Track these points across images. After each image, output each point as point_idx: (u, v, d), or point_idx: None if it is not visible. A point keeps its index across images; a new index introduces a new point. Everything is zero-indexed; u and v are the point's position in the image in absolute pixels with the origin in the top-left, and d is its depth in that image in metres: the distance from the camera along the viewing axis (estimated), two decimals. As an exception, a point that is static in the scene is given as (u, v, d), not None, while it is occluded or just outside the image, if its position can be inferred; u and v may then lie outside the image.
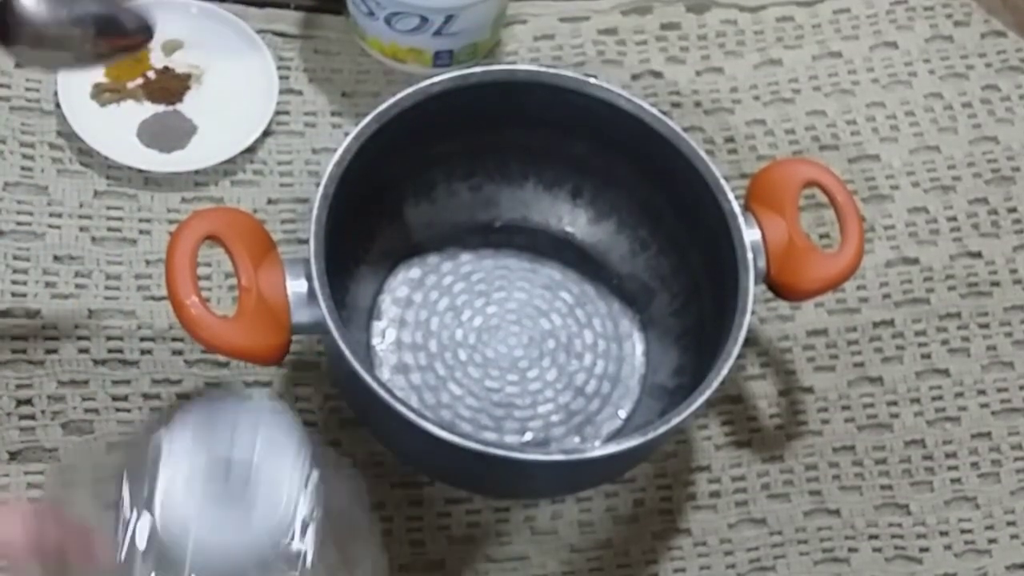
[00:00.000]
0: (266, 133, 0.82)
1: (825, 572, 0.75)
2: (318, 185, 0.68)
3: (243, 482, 0.48)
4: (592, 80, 0.74)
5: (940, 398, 0.80)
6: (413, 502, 0.74)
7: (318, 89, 0.85)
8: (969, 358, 0.82)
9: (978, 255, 0.85)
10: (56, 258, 0.77)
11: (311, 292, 0.65)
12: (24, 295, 0.76)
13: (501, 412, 0.76)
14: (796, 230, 0.71)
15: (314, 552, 0.49)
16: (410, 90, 0.71)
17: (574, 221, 0.81)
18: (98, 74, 0.82)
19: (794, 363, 0.81)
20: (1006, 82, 0.90)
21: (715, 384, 0.66)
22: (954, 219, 0.86)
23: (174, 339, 0.76)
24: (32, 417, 0.73)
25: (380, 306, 0.78)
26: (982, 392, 0.81)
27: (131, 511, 0.48)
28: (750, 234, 0.70)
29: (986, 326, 0.83)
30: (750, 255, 0.70)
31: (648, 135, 0.73)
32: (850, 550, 0.76)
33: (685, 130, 0.75)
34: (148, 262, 0.78)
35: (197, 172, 0.81)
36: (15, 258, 0.77)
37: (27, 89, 0.81)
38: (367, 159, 0.70)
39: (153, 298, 0.77)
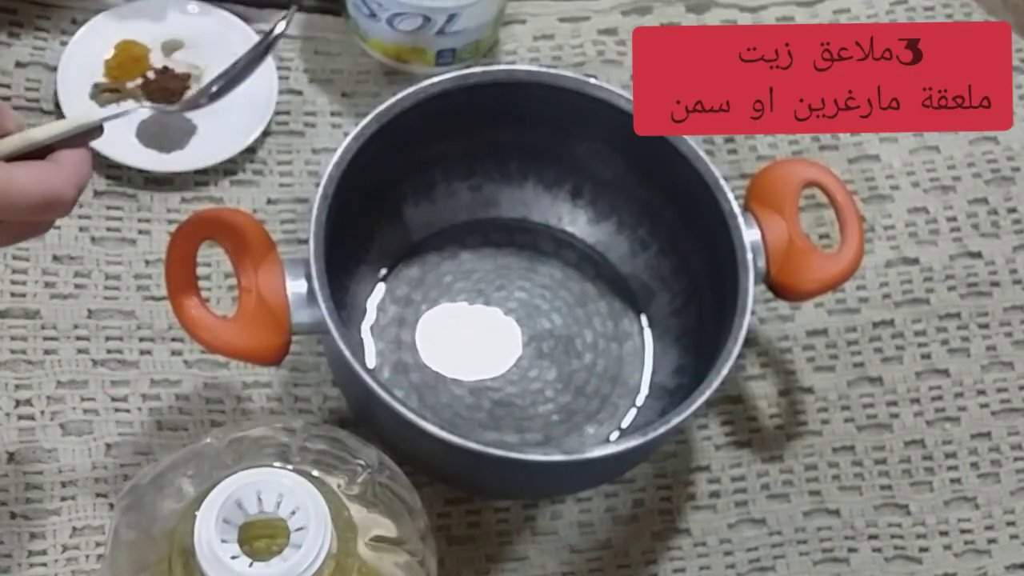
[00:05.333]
0: (266, 133, 0.82)
1: (825, 572, 0.75)
2: (318, 185, 0.68)
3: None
4: (592, 80, 0.74)
5: (940, 398, 0.80)
6: (413, 502, 0.74)
7: (318, 89, 0.85)
8: (969, 358, 0.82)
9: (978, 255, 0.85)
10: (55, 258, 0.77)
11: (311, 292, 0.65)
12: (23, 295, 0.76)
13: (501, 412, 0.76)
14: (796, 230, 0.71)
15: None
16: (410, 90, 0.71)
17: (574, 221, 0.81)
18: (98, 74, 0.82)
19: (794, 363, 0.81)
20: (1006, 82, 0.90)
21: (715, 384, 0.66)
22: (954, 219, 0.86)
23: (173, 339, 0.76)
24: (31, 417, 0.73)
25: (380, 306, 0.78)
26: (982, 392, 0.81)
27: None
28: (750, 234, 0.70)
29: (986, 326, 0.83)
30: (750, 255, 0.70)
31: (648, 135, 0.73)
32: (850, 550, 0.76)
33: (685, 130, 0.75)
34: (148, 262, 0.78)
35: (197, 172, 0.81)
36: (14, 258, 0.77)
37: (27, 89, 0.81)
38: (367, 159, 0.70)
39: (152, 298, 0.77)
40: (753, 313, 0.69)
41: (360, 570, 0.53)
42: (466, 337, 0.78)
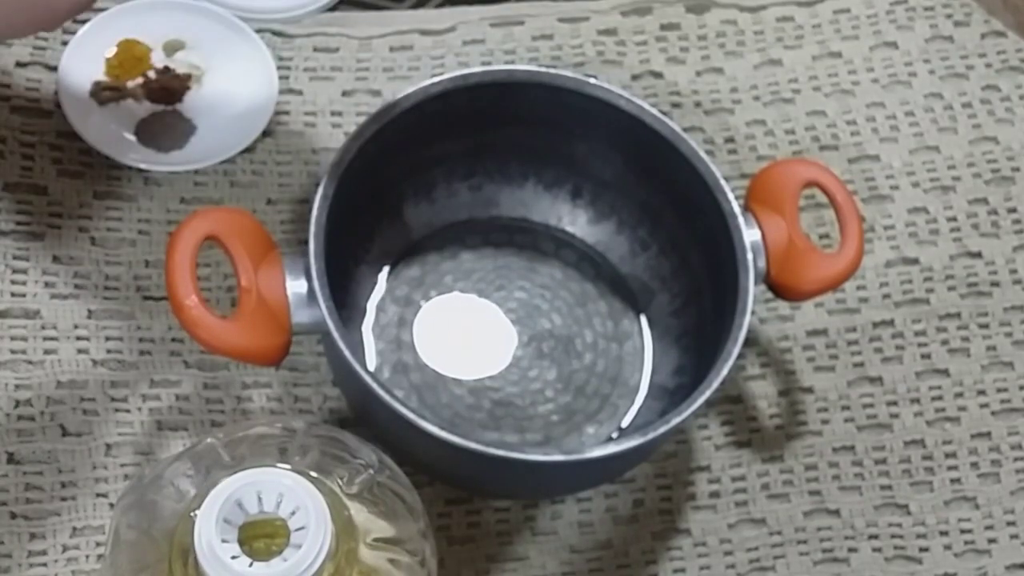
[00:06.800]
0: (266, 133, 0.82)
1: (825, 572, 0.75)
2: (317, 185, 0.68)
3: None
4: (592, 80, 0.74)
5: (940, 398, 0.80)
6: (413, 502, 0.74)
7: (318, 88, 0.85)
8: (969, 358, 0.82)
9: (978, 255, 0.85)
10: (55, 258, 0.77)
11: (311, 292, 0.65)
12: (23, 295, 0.76)
13: (501, 412, 0.76)
14: (796, 230, 0.71)
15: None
16: (410, 90, 0.71)
17: (574, 221, 0.81)
18: (99, 72, 0.82)
19: (794, 363, 0.80)
20: (1006, 82, 0.90)
21: (715, 384, 0.66)
22: (954, 219, 0.86)
23: (173, 340, 0.76)
24: (31, 418, 0.73)
25: (380, 306, 0.78)
26: (982, 392, 0.81)
27: None
28: (750, 234, 0.70)
29: (986, 326, 0.82)
30: (750, 255, 0.70)
31: (648, 135, 0.73)
32: (850, 550, 0.76)
33: (685, 130, 0.75)
34: (147, 263, 0.78)
35: (197, 172, 0.80)
36: (15, 258, 0.76)
37: (27, 89, 0.81)
38: (367, 159, 0.70)
39: (152, 299, 0.77)
40: (753, 313, 0.69)
41: (360, 570, 0.53)
42: (466, 337, 0.78)
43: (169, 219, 0.79)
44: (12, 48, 0.82)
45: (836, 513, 0.77)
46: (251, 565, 0.49)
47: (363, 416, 0.73)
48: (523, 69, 0.75)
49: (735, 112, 0.88)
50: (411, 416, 0.64)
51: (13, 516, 0.70)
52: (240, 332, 0.64)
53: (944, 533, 0.77)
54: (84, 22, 0.83)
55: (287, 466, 0.55)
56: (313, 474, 0.55)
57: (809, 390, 0.80)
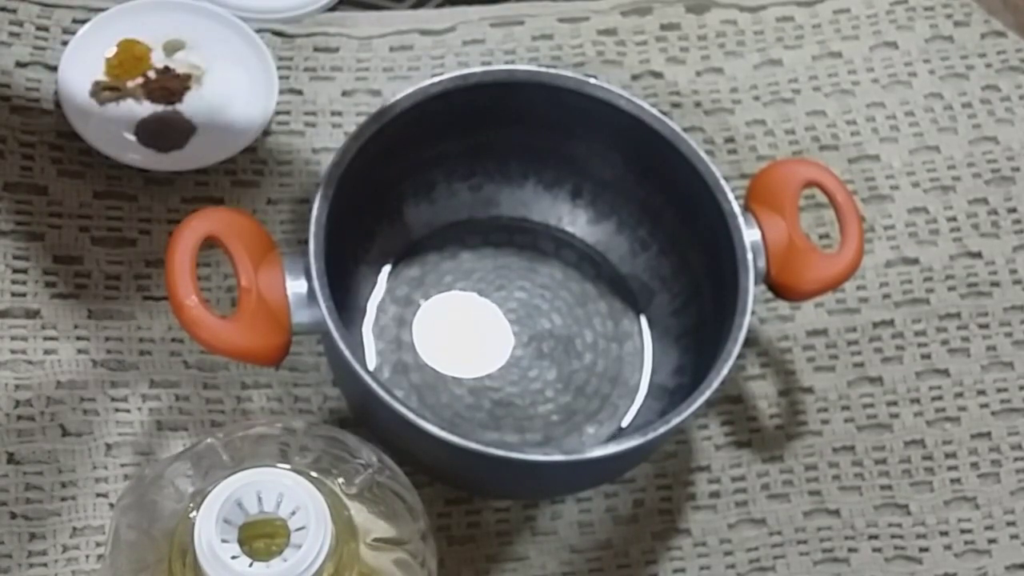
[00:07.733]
0: (266, 133, 0.82)
1: (825, 572, 0.75)
2: (318, 185, 0.68)
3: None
4: (592, 80, 0.74)
5: (940, 398, 0.80)
6: (413, 502, 0.74)
7: (318, 88, 0.85)
8: (969, 358, 0.82)
9: (978, 255, 0.85)
10: (56, 258, 0.77)
11: (311, 292, 0.65)
12: (23, 295, 0.76)
13: (501, 412, 0.76)
14: (796, 230, 0.71)
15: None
16: (410, 90, 0.71)
17: (574, 221, 0.81)
18: (99, 72, 0.82)
19: (794, 363, 0.80)
20: (1006, 82, 0.90)
21: (715, 384, 0.66)
22: (954, 219, 0.86)
23: (173, 340, 0.76)
24: (31, 418, 0.73)
25: (380, 306, 0.78)
26: (982, 392, 0.81)
27: None
28: (750, 234, 0.70)
29: (986, 326, 0.82)
30: (750, 255, 0.70)
31: (648, 135, 0.73)
32: (850, 550, 0.76)
33: (685, 130, 0.75)
34: (148, 262, 0.78)
35: (197, 172, 0.80)
36: (15, 258, 0.77)
37: (27, 89, 0.81)
38: (367, 159, 0.70)
39: (152, 299, 0.77)
40: (753, 313, 0.69)
41: (360, 570, 0.53)
42: (466, 337, 0.78)
43: (169, 219, 0.79)
44: (12, 48, 0.82)
45: (836, 513, 0.77)
46: (251, 565, 0.49)
47: (363, 416, 0.73)
48: (523, 69, 0.75)
49: (735, 112, 0.88)
50: (411, 416, 0.64)
51: (13, 516, 0.70)
52: (240, 332, 0.64)
53: (944, 533, 0.77)
54: (84, 22, 0.83)
55: (287, 466, 0.55)
56: (313, 474, 0.55)
57: (809, 390, 0.80)
